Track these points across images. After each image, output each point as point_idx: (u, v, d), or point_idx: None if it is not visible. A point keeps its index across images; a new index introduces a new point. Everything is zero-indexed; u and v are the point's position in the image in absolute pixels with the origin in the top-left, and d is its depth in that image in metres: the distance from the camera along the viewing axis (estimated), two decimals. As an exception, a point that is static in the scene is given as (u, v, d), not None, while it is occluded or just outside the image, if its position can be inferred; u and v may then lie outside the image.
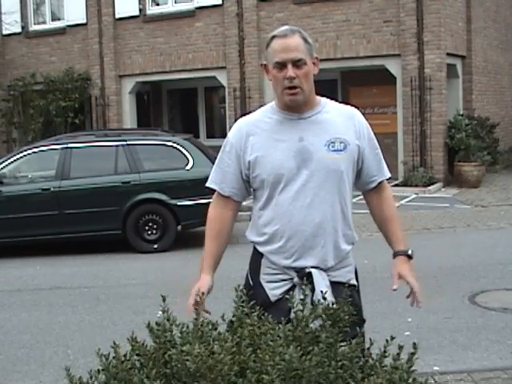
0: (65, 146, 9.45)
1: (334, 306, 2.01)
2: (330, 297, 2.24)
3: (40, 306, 6.63)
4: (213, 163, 2.78)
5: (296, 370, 1.75)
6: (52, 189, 9.21)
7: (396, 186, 13.35)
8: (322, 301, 2.06)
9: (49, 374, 4.75)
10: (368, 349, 1.96)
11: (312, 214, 2.48)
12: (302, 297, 2.27)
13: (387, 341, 1.92)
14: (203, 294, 2.41)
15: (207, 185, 2.69)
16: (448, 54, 13.70)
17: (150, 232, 9.25)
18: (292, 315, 1.98)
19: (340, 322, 1.96)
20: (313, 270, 2.45)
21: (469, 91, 15.01)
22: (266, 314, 2.04)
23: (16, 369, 4.91)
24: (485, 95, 16.01)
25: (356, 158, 2.57)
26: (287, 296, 2.22)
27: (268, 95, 14.31)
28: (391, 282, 2.57)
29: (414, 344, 1.89)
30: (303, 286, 2.24)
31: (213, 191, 2.67)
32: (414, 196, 12.63)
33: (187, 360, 1.75)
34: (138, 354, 1.89)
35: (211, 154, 8.85)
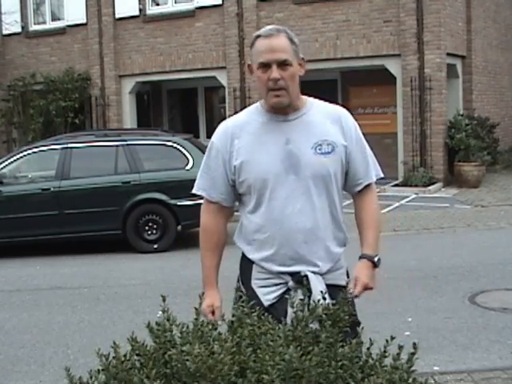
0: (65, 146, 9.46)
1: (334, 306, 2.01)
2: (328, 299, 2.21)
3: (40, 306, 6.63)
4: None
5: (296, 370, 1.75)
6: (52, 189, 9.21)
7: (396, 185, 13.38)
8: (322, 301, 2.05)
9: (49, 374, 4.75)
10: (368, 349, 1.96)
11: (303, 220, 2.42)
12: (301, 297, 2.27)
13: (387, 341, 1.91)
14: (218, 308, 2.42)
15: (194, 191, 2.62)
16: (448, 54, 13.71)
17: (150, 232, 9.25)
18: (288, 319, 1.97)
19: (340, 322, 1.96)
20: (309, 274, 2.40)
21: (469, 91, 15.01)
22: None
23: (16, 369, 4.91)
24: (485, 95, 16.01)
25: (344, 159, 2.50)
26: (287, 296, 2.21)
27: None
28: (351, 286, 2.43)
29: (414, 344, 1.89)
30: (299, 290, 2.23)
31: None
32: (413, 196, 12.63)
33: (187, 360, 1.75)
34: (138, 354, 1.89)
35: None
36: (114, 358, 1.85)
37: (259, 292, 2.45)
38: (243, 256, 2.56)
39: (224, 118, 2.88)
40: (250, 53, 2.48)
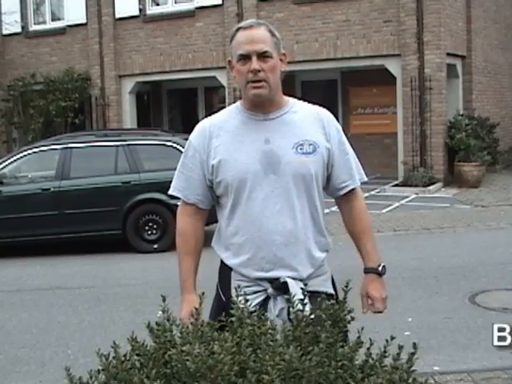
0: (65, 146, 9.46)
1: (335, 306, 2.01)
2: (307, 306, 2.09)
3: (40, 306, 6.63)
4: None
5: (296, 370, 1.75)
6: (52, 189, 9.21)
7: (396, 186, 13.39)
8: (301, 308, 1.96)
9: (49, 374, 4.75)
10: (368, 349, 1.96)
11: (282, 221, 2.33)
12: (282, 305, 2.24)
13: (387, 341, 1.91)
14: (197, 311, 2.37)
15: (170, 192, 2.54)
16: (448, 54, 13.71)
17: (150, 232, 9.26)
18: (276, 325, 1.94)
19: (340, 322, 1.96)
20: (288, 280, 2.30)
21: (469, 91, 15.00)
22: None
23: (16, 369, 4.91)
24: (485, 95, 16.00)
25: (326, 161, 2.42)
26: (287, 300, 2.16)
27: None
28: (362, 303, 2.47)
29: (414, 344, 1.89)
30: (278, 297, 2.19)
31: None
32: (413, 196, 12.63)
33: (187, 360, 1.75)
34: (138, 354, 1.89)
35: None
36: (114, 358, 1.85)
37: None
38: (221, 265, 2.47)
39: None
40: (230, 47, 2.40)
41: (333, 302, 2.01)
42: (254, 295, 2.33)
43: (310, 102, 2.59)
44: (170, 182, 2.56)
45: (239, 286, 2.09)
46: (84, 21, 16.98)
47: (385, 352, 1.90)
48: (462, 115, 13.94)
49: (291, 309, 1.99)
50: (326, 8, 14.17)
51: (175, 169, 2.55)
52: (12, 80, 17.56)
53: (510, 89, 18.33)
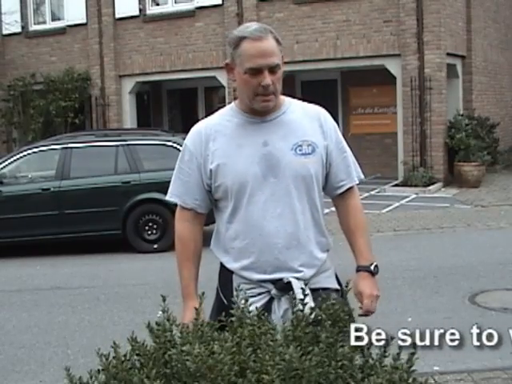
0: (65, 146, 9.46)
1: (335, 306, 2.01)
2: (311, 304, 2.09)
3: (40, 306, 6.62)
4: None
5: (296, 370, 1.74)
6: (52, 189, 9.21)
7: (396, 186, 13.39)
8: (301, 308, 1.97)
9: (49, 374, 4.75)
10: (368, 349, 1.95)
11: (284, 224, 2.31)
12: (286, 306, 2.24)
13: (387, 341, 1.91)
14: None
15: (167, 198, 2.53)
16: (448, 54, 13.71)
17: (150, 232, 9.26)
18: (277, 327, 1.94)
19: (340, 321, 1.96)
20: (292, 280, 2.29)
21: (469, 91, 15.00)
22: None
23: (16, 369, 4.92)
24: (485, 95, 16.00)
25: (324, 160, 2.40)
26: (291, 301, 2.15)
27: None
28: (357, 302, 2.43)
29: (414, 344, 1.89)
30: (282, 298, 2.18)
31: None
32: (413, 196, 12.63)
33: (187, 360, 1.75)
34: (138, 354, 1.89)
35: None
36: (114, 357, 1.85)
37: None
38: (221, 268, 2.44)
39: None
40: (231, 52, 2.35)
41: (337, 297, 2.03)
42: (258, 297, 2.32)
43: (310, 102, 2.58)
44: (170, 182, 2.55)
45: (239, 286, 2.09)
46: (84, 21, 16.97)
47: (385, 352, 1.90)
48: (461, 115, 13.94)
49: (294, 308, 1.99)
50: (326, 8, 14.17)
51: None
52: (12, 80, 17.56)
53: (510, 89, 18.33)
